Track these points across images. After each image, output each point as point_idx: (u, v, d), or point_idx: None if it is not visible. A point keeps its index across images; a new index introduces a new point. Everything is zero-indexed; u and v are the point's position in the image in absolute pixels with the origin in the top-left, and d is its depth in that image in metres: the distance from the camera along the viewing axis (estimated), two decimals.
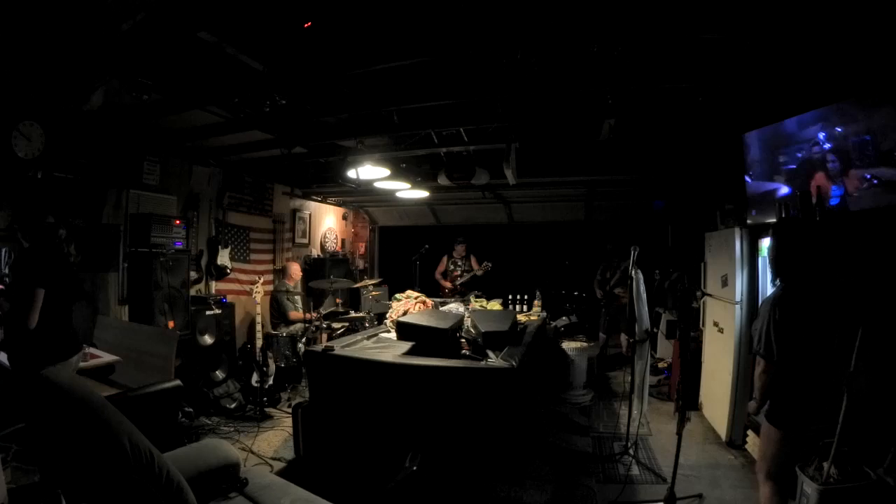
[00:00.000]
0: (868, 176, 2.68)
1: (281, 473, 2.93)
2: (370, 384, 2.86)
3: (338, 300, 5.90)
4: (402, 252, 6.26)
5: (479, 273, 6.15)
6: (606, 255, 5.79)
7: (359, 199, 7.23)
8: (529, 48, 2.56)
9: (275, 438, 3.60)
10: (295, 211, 6.42)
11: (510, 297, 5.41)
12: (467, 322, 3.62)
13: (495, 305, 4.87)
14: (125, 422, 1.42)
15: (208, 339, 4.43)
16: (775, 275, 2.24)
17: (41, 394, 1.44)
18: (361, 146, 4.14)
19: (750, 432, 3.36)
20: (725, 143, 3.78)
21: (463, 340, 3.44)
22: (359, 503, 2.26)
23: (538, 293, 5.30)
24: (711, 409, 3.96)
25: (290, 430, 3.36)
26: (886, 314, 2.35)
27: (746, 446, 3.38)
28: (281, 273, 5.76)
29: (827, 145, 2.95)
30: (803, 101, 3.03)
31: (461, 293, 5.99)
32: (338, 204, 7.34)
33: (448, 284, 6.29)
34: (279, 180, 5.98)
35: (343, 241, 7.65)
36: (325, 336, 4.96)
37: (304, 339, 4.82)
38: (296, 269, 5.56)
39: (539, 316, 4.85)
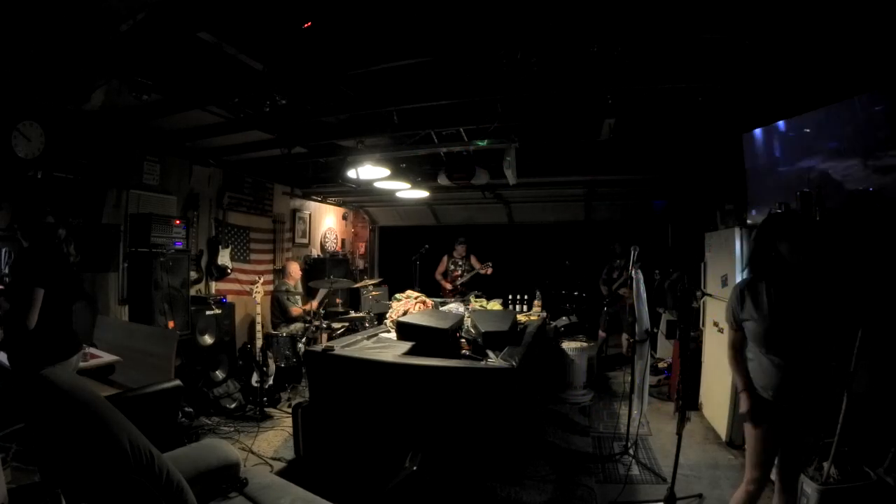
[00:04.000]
0: (867, 176, 2.69)
1: (281, 473, 2.93)
2: (370, 384, 2.86)
3: (338, 300, 5.91)
4: (402, 252, 6.26)
5: (483, 272, 6.13)
6: (614, 255, 5.81)
7: (359, 199, 7.23)
8: (529, 48, 2.56)
9: (275, 438, 3.60)
10: (295, 211, 6.42)
11: (510, 297, 5.41)
12: (467, 322, 3.62)
13: (495, 305, 4.87)
14: (125, 422, 1.42)
15: (208, 339, 4.43)
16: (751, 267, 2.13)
17: (41, 394, 1.44)
18: (361, 146, 4.14)
19: None
20: (725, 143, 3.78)
21: (463, 340, 3.44)
22: (359, 503, 2.26)
23: (538, 293, 5.30)
24: (711, 409, 3.96)
25: (290, 430, 3.36)
26: (886, 314, 2.35)
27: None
28: (281, 273, 5.76)
29: (826, 145, 2.95)
30: (803, 101, 3.03)
31: (461, 293, 5.99)
32: (338, 204, 7.34)
33: (448, 285, 6.28)
34: (279, 180, 5.98)
35: (343, 241, 7.65)
36: (325, 336, 4.96)
37: (304, 339, 4.82)
38: (295, 269, 5.56)
39: (539, 316, 4.85)
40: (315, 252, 6.83)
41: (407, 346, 3.14)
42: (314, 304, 5.16)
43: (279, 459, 3.25)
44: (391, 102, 3.41)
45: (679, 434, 2.67)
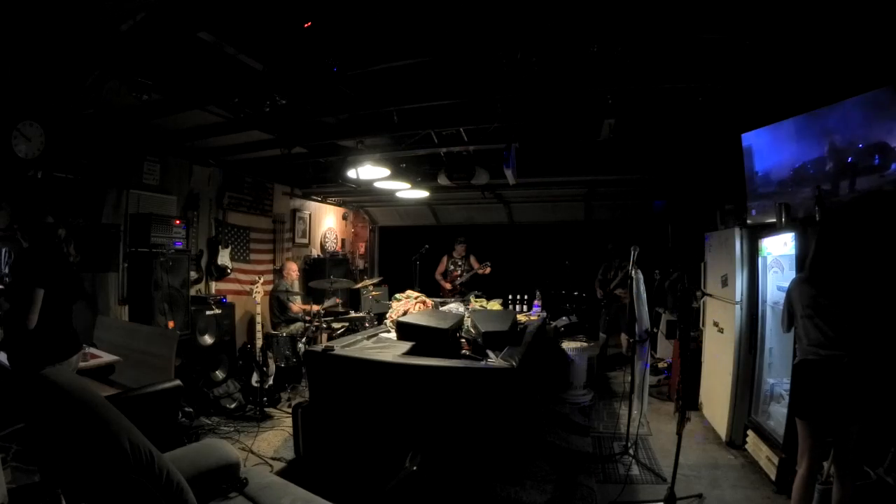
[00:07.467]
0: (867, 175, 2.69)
1: (281, 473, 2.93)
2: (370, 384, 2.86)
3: (338, 300, 5.90)
4: (402, 252, 6.26)
5: (481, 272, 6.14)
6: (608, 255, 5.79)
7: (359, 199, 7.23)
8: (529, 48, 2.56)
9: (275, 438, 3.60)
10: (295, 211, 6.42)
11: (510, 297, 5.41)
12: (467, 322, 3.62)
13: (495, 305, 4.86)
14: (125, 422, 1.42)
15: (208, 339, 4.43)
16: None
17: (41, 394, 1.44)
18: (361, 146, 4.14)
19: (750, 432, 3.35)
20: (725, 143, 3.78)
21: (463, 340, 3.44)
22: (359, 503, 2.26)
23: (538, 293, 5.30)
24: (711, 409, 3.96)
25: (290, 430, 3.36)
26: (886, 312, 2.35)
27: (746, 446, 3.37)
28: (280, 273, 5.77)
29: (827, 145, 2.95)
30: (803, 101, 3.03)
31: (461, 293, 5.99)
32: (338, 204, 7.34)
33: (448, 285, 6.28)
34: (279, 180, 5.99)
35: (343, 241, 7.65)
36: (325, 336, 4.96)
37: (304, 339, 4.82)
38: (292, 268, 5.58)
39: (539, 316, 4.85)
40: (315, 252, 6.83)
41: (407, 346, 3.14)
42: (315, 307, 5.15)
43: (279, 459, 3.25)
44: (391, 102, 3.42)
45: (679, 434, 2.67)
